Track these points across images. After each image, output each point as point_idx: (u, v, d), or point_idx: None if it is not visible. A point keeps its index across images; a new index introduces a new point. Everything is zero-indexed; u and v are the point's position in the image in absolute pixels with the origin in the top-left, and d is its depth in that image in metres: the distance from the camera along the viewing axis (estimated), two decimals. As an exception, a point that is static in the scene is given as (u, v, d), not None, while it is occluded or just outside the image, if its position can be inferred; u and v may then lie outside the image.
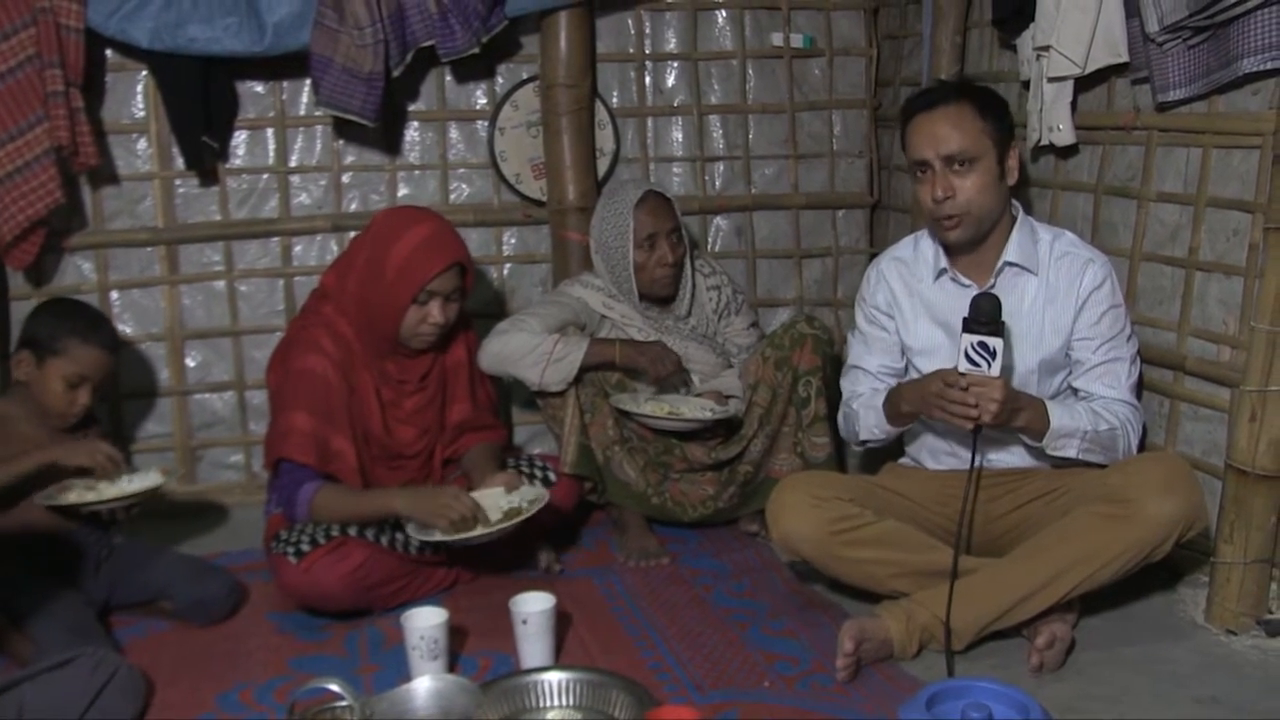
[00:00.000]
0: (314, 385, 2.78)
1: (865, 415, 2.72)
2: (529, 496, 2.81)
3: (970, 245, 2.62)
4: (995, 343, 2.34)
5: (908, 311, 2.72)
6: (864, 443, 2.78)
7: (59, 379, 2.70)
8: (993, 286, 2.61)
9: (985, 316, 2.35)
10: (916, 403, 2.54)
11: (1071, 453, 2.52)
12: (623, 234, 3.13)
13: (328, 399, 2.78)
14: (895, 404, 2.62)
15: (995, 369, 2.35)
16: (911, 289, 2.72)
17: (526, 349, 3.02)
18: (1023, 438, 2.57)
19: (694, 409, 3.11)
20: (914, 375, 2.74)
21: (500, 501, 2.78)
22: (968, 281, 2.65)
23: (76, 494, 2.61)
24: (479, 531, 2.65)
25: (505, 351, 3.04)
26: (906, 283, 2.74)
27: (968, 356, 2.36)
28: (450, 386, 3.03)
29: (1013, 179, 2.61)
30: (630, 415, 3.07)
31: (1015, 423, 2.46)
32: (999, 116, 2.59)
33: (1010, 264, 2.62)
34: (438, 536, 2.66)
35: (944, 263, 2.67)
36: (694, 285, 3.29)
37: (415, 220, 2.88)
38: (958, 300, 2.64)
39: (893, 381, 2.72)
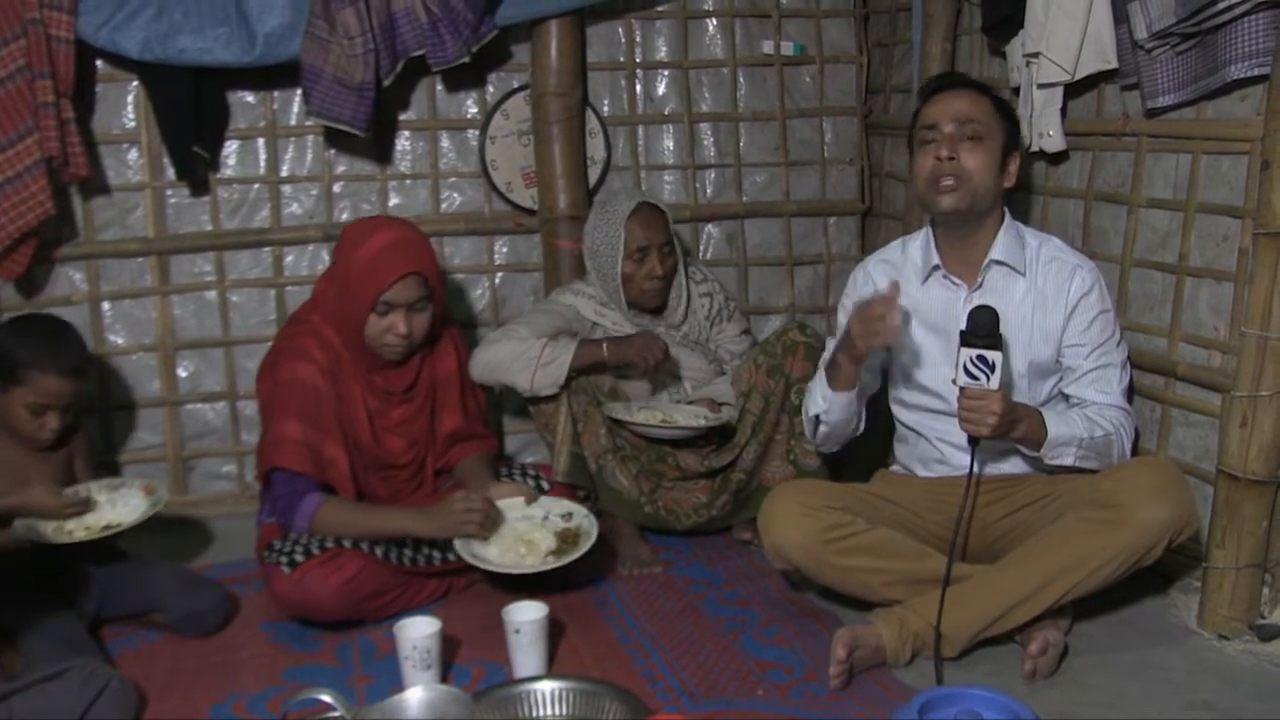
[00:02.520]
0: (304, 393, 2.77)
1: (813, 390, 2.73)
2: (558, 510, 2.84)
3: (955, 224, 2.62)
4: (994, 356, 2.33)
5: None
6: (815, 421, 2.74)
7: (21, 407, 2.64)
8: (980, 285, 2.62)
9: (983, 330, 2.34)
10: (845, 345, 2.55)
11: (1068, 460, 2.52)
12: (613, 244, 3.13)
13: (318, 407, 2.77)
14: (832, 361, 2.63)
15: (994, 382, 2.34)
16: (901, 291, 2.72)
17: (515, 355, 3.01)
18: (1020, 448, 2.57)
19: (687, 416, 3.11)
20: (900, 378, 2.74)
21: (532, 515, 2.81)
22: (958, 281, 2.65)
23: (54, 529, 2.57)
24: (543, 564, 2.68)
25: (494, 360, 3.04)
26: None
27: (966, 370, 2.35)
28: (440, 397, 3.01)
29: (1009, 182, 2.63)
30: (624, 424, 3.06)
31: (1013, 434, 2.46)
32: (1009, 120, 2.65)
33: (997, 263, 2.62)
34: (504, 567, 2.67)
35: (935, 260, 2.67)
36: (688, 295, 3.29)
37: (377, 229, 2.86)
38: (948, 303, 2.65)
39: (867, 378, 2.70)
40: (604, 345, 3.06)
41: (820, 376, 2.69)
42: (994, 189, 2.61)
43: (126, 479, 2.82)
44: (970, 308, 2.43)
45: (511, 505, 2.82)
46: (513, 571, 2.68)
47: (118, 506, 2.68)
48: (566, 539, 2.74)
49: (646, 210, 3.15)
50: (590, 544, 2.72)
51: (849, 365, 2.58)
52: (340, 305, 2.83)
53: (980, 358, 2.34)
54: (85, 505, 2.63)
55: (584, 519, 2.81)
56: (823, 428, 2.74)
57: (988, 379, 2.34)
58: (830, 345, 2.81)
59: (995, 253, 2.62)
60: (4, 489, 2.58)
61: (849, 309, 2.78)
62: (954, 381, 2.39)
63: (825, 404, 2.68)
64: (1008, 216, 2.67)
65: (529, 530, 2.77)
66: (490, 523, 2.69)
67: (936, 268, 2.68)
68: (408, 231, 2.89)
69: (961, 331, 2.38)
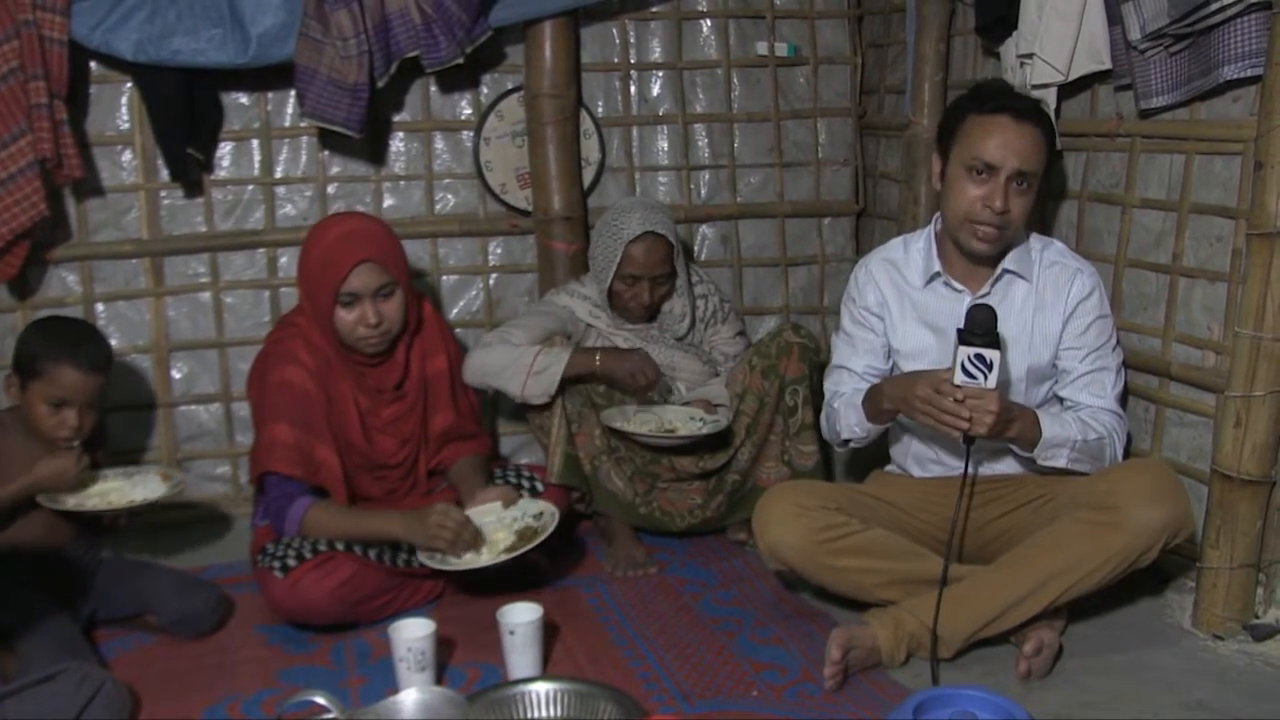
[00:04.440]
0: (293, 396, 2.77)
1: (846, 414, 2.71)
2: (532, 511, 2.83)
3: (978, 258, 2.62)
4: (992, 355, 2.32)
5: (896, 313, 2.72)
6: (845, 442, 2.77)
7: (40, 401, 2.64)
8: (987, 295, 2.62)
9: (981, 328, 2.32)
10: (899, 402, 2.51)
11: (1061, 463, 2.52)
12: (610, 260, 3.13)
13: (308, 409, 2.77)
14: (876, 401, 2.60)
15: (992, 381, 2.33)
16: (901, 291, 2.73)
17: (507, 361, 3.01)
18: (1013, 448, 2.57)
19: (684, 420, 3.10)
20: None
21: (504, 517, 2.80)
22: (960, 287, 2.65)
23: (76, 499, 2.60)
24: (495, 559, 2.67)
25: (487, 365, 3.04)
26: (896, 284, 2.74)
27: (964, 369, 2.33)
28: (432, 396, 3.01)
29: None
30: (625, 436, 3.06)
31: (1008, 434, 2.45)
32: (1053, 148, 2.62)
33: (1007, 270, 2.62)
34: (455, 565, 2.67)
35: (937, 266, 2.66)
36: (693, 307, 3.29)
37: (330, 226, 2.90)
38: (950, 305, 2.65)
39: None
40: (596, 356, 3.06)
41: (855, 407, 2.67)
42: (1024, 224, 2.60)
43: (142, 467, 2.83)
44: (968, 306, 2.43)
45: (488, 509, 2.82)
46: (458, 569, 2.68)
47: (137, 488, 2.70)
48: (524, 536, 2.73)
49: (649, 240, 3.12)
50: (542, 538, 2.70)
51: (896, 413, 2.58)
52: (311, 305, 2.84)
53: (979, 356, 2.32)
54: (93, 476, 2.67)
55: (548, 517, 2.79)
56: (852, 444, 2.77)
57: (985, 378, 2.33)
58: (837, 346, 2.82)
59: (1007, 262, 2.62)
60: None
61: (854, 312, 2.78)
62: (951, 380, 2.38)
63: (863, 432, 2.69)
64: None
65: (494, 530, 2.76)
66: (460, 542, 2.66)
67: (938, 274, 2.67)
68: (360, 223, 2.91)
69: (959, 330, 2.37)
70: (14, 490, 2.54)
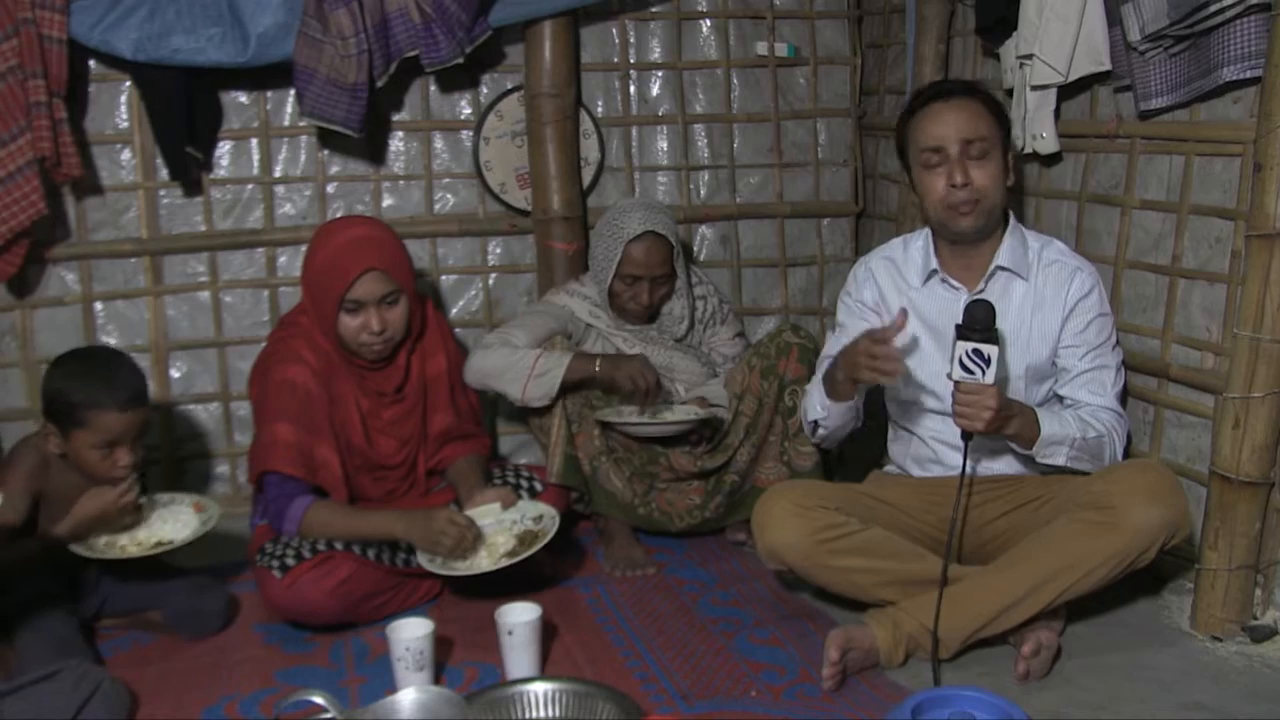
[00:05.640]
0: (295, 396, 2.76)
1: (811, 394, 2.72)
2: (531, 514, 2.82)
3: (971, 240, 2.61)
4: (990, 350, 2.32)
5: (895, 311, 2.71)
6: (814, 426, 2.74)
7: (88, 448, 2.56)
8: (982, 291, 2.62)
9: (979, 324, 2.32)
10: (845, 365, 2.50)
11: (1060, 460, 2.52)
12: (610, 260, 3.13)
13: (309, 409, 2.77)
14: (831, 375, 2.60)
15: (990, 377, 2.33)
16: (900, 290, 2.73)
17: (507, 364, 3.02)
18: (1013, 445, 2.57)
19: (676, 414, 3.10)
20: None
21: (503, 519, 2.80)
22: (958, 285, 2.65)
23: (106, 541, 2.54)
24: (495, 564, 2.67)
25: (487, 367, 3.04)
26: (895, 283, 2.74)
27: (962, 364, 2.33)
28: (431, 397, 3.01)
29: (1011, 179, 2.63)
30: (613, 427, 3.06)
31: (1007, 431, 2.45)
32: (1001, 116, 2.64)
33: (1001, 268, 2.62)
34: (453, 570, 2.67)
35: (934, 264, 2.66)
36: (692, 309, 3.29)
37: (336, 230, 2.89)
38: (947, 304, 2.65)
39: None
40: (596, 362, 3.05)
41: (818, 384, 2.68)
42: (1004, 196, 2.61)
43: (175, 495, 2.75)
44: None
45: (486, 511, 2.81)
46: (457, 574, 2.68)
47: (168, 522, 2.63)
48: (524, 540, 2.73)
49: (650, 239, 3.12)
50: (543, 544, 2.70)
51: (850, 384, 2.56)
52: (314, 309, 2.84)
53: (976, 351, 2.32)
54: (137, 511, 2.58)
55: (548, 520, 2.79)
56: (821, 430, 2.74)
57: (983, 373, 2.33)
58: (829, 340, 2.81)
59: (1001, 258, 2.62)
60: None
61: (850, 305, 2.79)
62: (949, 376, 2.37)
63: (824, 411, 2.67)
64: (1012, 220, 2.67)
65: (493, 534, 2.76)
66: (461, 549, 2.67)
67: (935, 272, 2.67)
68: (366, 229, 2.90)
69: (957, 325, 2.36)
70: (58, 535, 2.47)
